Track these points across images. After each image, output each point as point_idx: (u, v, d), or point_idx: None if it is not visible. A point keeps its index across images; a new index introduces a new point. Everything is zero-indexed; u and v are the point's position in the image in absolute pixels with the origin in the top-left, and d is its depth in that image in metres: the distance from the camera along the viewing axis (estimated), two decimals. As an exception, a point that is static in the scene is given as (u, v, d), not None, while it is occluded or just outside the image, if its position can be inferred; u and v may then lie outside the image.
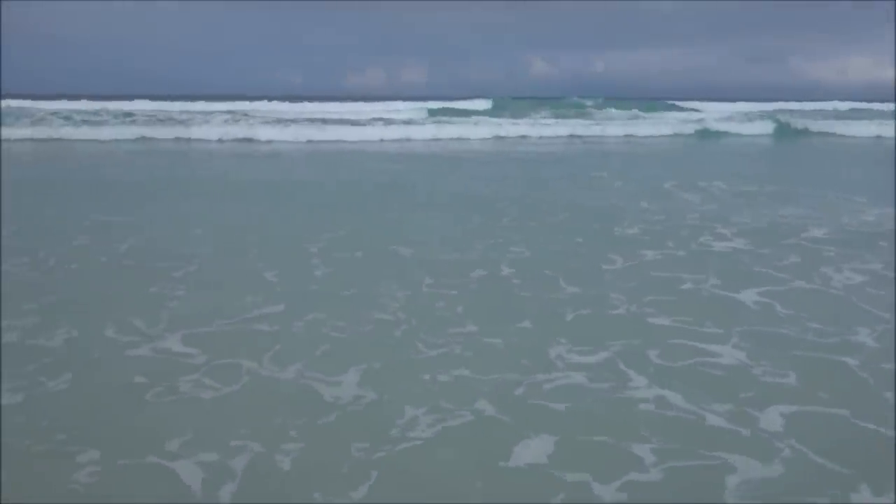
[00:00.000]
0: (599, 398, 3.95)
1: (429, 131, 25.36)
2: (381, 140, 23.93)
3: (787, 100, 47.48)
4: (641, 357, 4.52)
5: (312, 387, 4.05)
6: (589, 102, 40.57)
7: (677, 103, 43.10)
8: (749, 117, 33.38)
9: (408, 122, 27.74)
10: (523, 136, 26.21)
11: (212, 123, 25.25)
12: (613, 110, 36.51)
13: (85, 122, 24.92)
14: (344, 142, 23.33)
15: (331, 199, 11.15)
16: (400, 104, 37.63)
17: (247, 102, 36.48)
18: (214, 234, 8.29)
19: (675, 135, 27.89)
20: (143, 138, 22.99)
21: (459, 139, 24.72)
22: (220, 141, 22.96)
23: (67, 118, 25.62)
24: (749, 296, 5.85)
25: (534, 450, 3.38)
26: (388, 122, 27.88)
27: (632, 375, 4.23)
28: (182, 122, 25.45)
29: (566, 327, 5.09)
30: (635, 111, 36.38)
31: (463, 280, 6.29)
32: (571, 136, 26.85)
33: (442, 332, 4.96)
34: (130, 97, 35.74)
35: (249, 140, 23.15)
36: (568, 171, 15.58)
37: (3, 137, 21.47)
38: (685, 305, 5.60)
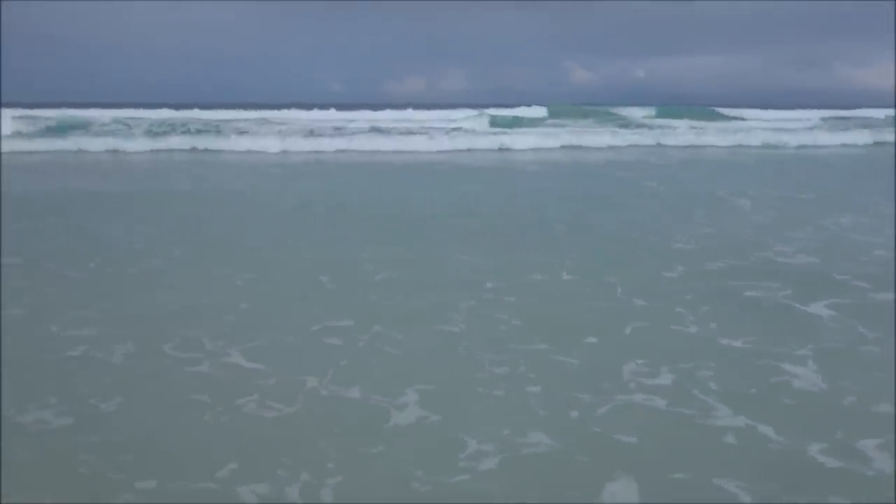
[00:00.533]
0: (680, 427, 3.72)
1: (499, 141, 24.27)
2: (450, 150, 22.72)
3: (832, 107, 45.92)
4: (717, 380, 4.27)
5: (373, 408, 3.89)
6: (644, 111, 39.50)
7: (721, 110, 42.13)
8: (830, 126, 31.25)
9: (471, 132, 26.87)
10: (596, 147, 24.35)
11: (276, 133, 24.74)
12: (675, 121, 34.75)
13: (148, 132, 24.84)
14: (413, 152, 22.22)
15: (404, 214, 11.06)
16: (458, 112, 36.67)
17: (302, 111, 36.71)
18: (281, 245, 8.28)
19: (756, 146, 25.52)
20: (196, 149, 22.52)
21: (535, 149, 23.42)
22: (283, 152, 22.01)
23: (125, 125, 25.98)
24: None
25: (616, 489, 3.13)
26: (447, 131, 27.06)
27: (712, 402, 3.97)
28: (245, 133, 24.91)
29: (633, 344, 4.87)
30: (688, 120, 35.24)
31: (524, 289, 6.13)
32: (640, 146, 25.06)
33: (506, 347, 4.78)
34: (175, 106, 36.28)
35: (317, 152, 22.19)
36: (683, 186, 14.49)
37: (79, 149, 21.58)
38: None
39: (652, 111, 39.83)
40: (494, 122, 31.80)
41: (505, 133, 26.28)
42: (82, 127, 25.83)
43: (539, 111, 37.56)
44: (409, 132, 26.29)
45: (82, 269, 6.87)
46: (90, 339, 4.91)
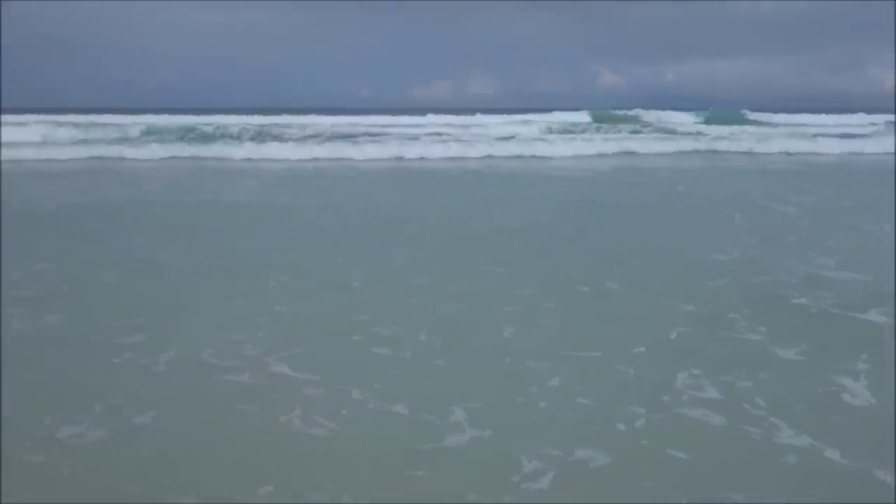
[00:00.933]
0: (736, 443, 3.57)
1: (595, 147, 23.69)
2: (502, 157, 21.91)
3: (871, 111, 45.00)
4: (774, 393, 4.11)
5: (421, 423, 3.79)
6: (687, 116, 38.58)
7: (754, 114, 41.55)
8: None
9: (522, 138, 26.21)
10: (657, 154, 23.44)
11: (317, 139, 24.38)
12: (725, 128, 33.46)
13: (221, 136, 24.94)
14: (462, 158, 21.41)
15: (455, 223, 11.04)
16: (523, 117, 35.97)
17: (350, 117, 37.03)
18: (324, 254, 8.29)
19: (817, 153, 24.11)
20: (249, 159, 20.99)
21: (591, 156, 22.63)
22: (370, 160, 20.80)
23: (192, 130, 26.20)
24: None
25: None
26: (494, 138, 25.99)
27: (776, 422, 3.80)
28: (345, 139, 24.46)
29: (684, 353, 4.72)
30: (738, 125, 34.33)
31: (570, 299, 6.01)
32: (691, 152, 24.16)
33: (555, 356, 4.66)
34: (205, 110, 36.82)
35: (399, 158, 21.29)
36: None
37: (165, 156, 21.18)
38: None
39: (695, 116, 38.95)
40: (550, 129, 30.94)
41: (544, 139, 25.63)
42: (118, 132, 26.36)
43: (583, 116, 36.94)
44: (457, 139, 25.31)
45: (119, 275, 6.89)
46: (133, 346, 4.88)
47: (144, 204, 11.96)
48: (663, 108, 40.98)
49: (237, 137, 25.27)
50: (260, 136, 25.93)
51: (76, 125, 27.78)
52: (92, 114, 36.79)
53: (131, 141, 24.43)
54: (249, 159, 20.91)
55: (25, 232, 9.11)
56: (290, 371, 4.47)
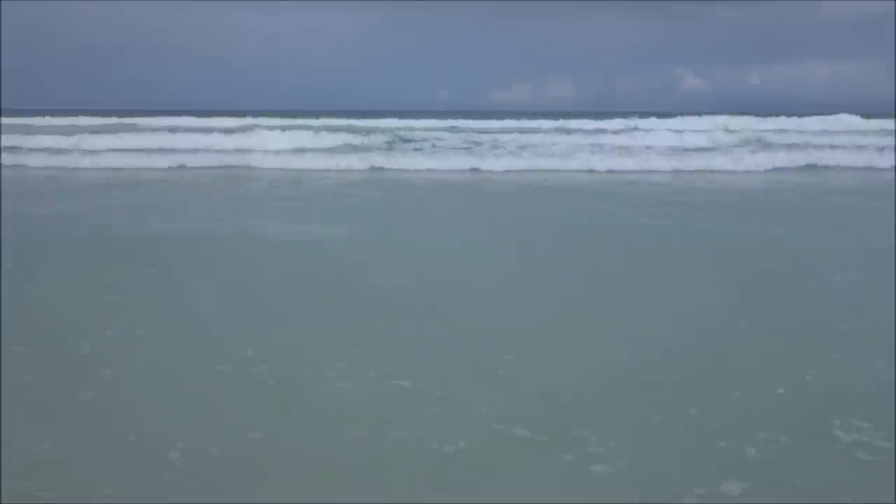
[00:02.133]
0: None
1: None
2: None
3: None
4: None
5: (545, 448, 3.52)
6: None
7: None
8: None
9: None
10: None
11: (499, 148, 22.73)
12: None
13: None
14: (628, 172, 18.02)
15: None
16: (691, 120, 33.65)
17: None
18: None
19: None
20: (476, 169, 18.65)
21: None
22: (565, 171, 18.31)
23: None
24: None
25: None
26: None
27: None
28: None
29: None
30: None
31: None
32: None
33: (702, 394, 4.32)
34: (292, 113, 37.68)
35: (543, 171, 18.42)
36: None
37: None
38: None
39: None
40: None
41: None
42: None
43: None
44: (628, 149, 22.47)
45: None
46: (245, 359, 4.80)
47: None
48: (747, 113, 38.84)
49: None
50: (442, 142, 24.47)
51: (331, 130, 26.69)
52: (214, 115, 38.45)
53: (386, 150, 22.43)
54: (476, 170, 18.43)
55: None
56: (403, 382, 4.28)
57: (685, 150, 22.73)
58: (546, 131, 33.11)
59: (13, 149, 21.08)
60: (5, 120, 36.46)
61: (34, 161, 19.01)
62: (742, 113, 39.12)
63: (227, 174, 17.46)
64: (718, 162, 19.31)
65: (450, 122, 39.78)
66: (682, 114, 41.97)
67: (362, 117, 43.14)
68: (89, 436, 3.60)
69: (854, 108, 42.89)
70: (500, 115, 49.07)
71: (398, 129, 33.89)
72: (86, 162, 18.97)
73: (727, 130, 30.14)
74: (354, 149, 22.64)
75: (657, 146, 24.13)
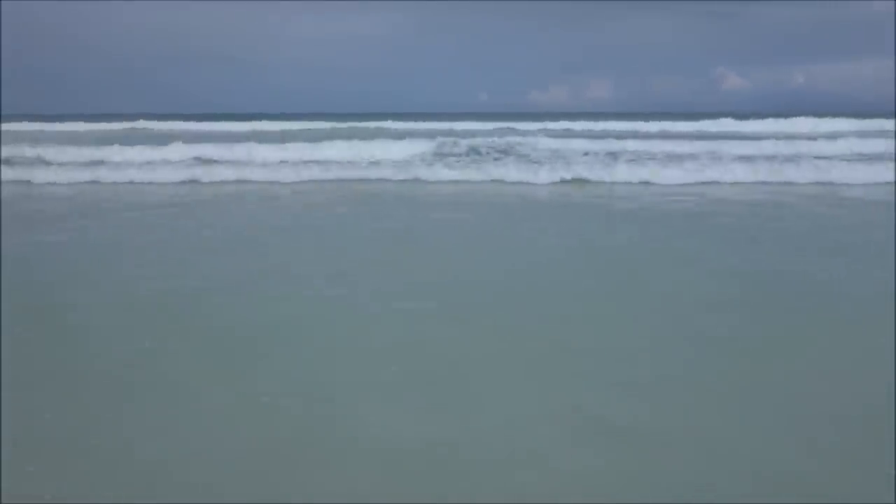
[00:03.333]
0: None
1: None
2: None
3: None
4: None
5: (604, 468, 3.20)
6: None
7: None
8: None
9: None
10: None
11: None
12: None
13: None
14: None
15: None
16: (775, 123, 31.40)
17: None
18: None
19: None
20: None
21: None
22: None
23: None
24: None
25: None
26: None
27: None
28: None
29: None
30: None
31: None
32: None
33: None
34: (332, 116, 37.88)
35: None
36: None
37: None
38: None
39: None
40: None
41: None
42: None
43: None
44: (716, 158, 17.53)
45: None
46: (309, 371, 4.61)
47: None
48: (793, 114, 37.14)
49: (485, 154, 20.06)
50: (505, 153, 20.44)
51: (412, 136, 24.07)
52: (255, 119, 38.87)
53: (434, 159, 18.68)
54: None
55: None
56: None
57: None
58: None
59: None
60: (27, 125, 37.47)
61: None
62: (792, 114, 37.36)
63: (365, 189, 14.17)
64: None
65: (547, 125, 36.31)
66: (722, 115, 40.34)
67: (402, 120, 42.81)
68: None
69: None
70: (539, 116, 48.44)
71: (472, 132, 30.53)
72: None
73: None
74: (442, 158, 19.10)
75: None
